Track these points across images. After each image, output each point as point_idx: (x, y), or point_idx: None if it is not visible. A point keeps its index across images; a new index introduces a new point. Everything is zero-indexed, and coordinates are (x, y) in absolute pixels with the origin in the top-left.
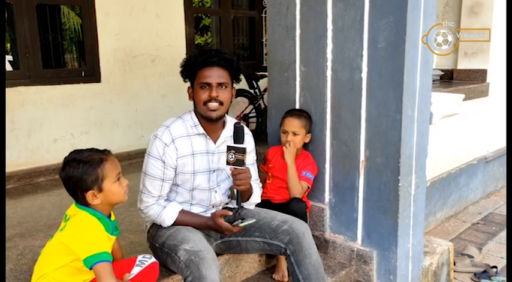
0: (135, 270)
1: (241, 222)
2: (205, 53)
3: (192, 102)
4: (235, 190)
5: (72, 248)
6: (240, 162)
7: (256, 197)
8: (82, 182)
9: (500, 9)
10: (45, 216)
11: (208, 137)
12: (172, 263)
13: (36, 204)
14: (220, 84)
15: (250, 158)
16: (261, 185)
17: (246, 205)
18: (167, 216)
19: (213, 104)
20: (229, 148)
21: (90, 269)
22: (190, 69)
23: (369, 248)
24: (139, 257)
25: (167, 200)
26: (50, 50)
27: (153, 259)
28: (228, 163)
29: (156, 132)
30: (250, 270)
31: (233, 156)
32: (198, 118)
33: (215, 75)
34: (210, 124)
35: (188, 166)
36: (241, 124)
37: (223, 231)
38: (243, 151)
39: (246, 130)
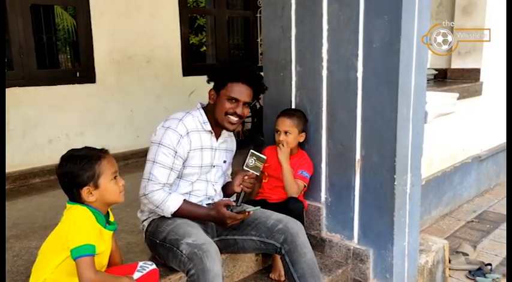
0: (136, 275)
1: (246, 209)
2: (243, 69)
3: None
4: (242, 192)
5: (63, 238)
6: (257, 169)
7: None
8: (78, 178)
9: (494, 8)
10: (40, 217)
11: (213, 134)
12: (174, 258)
13: (31, 205)
14: (246, 103)
15: (229, 158)
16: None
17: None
18: (172, 202)
19: (234, 119)
20: (252, 154)
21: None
22: (222, 77)
23: (365, 247)
24: (141, 263)
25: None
26: (44, 51)
27: (154, 266)
28: (247, 166)
29: (167, 124)
30: (247, 270)
31: (253, 162)
32: (207, 116)
33: (246, 93)
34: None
35: (196, 159)
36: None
37: (226, 219)
38: (263, 160)
39: (229, 134)
